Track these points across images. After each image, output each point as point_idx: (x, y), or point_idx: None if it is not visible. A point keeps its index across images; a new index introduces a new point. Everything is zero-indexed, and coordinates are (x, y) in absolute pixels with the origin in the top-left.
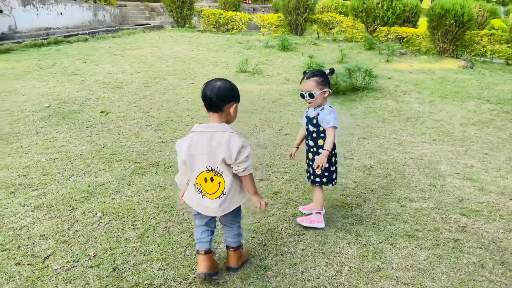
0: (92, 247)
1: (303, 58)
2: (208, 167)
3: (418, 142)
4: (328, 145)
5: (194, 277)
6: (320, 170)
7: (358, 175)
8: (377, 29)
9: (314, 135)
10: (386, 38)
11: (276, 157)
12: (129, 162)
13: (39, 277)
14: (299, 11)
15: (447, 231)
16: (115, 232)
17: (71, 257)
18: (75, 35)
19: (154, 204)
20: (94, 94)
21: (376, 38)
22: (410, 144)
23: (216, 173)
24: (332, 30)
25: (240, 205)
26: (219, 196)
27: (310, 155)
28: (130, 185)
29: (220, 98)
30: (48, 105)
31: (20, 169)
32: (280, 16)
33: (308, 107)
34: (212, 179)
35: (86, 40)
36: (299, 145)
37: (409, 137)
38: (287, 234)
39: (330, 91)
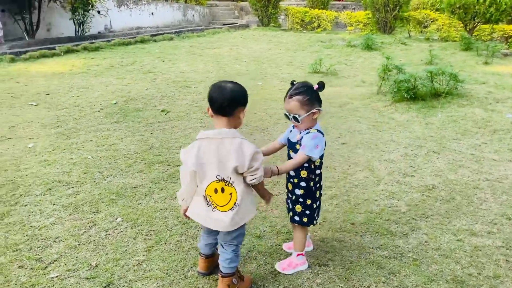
0: (97, 256)
1: (382, 58)
2: (218, 177)
3: (501, 161)
4: (284, 167)
5: None
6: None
7: (414, 196)
8: (477, 27)
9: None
10: (490, 37)
11: (325, 169)
12: (169, 165)
13: (33, 285)
14: (388, 8)
15: (511, 281)
16: (126, 242)
17: (73, 265)
18: (161, 34)
19: (175, 213)
20: (161, 92)
21: (476, 37)
22: (490, 162)
23: (227, 183)
24: (426, 28)
25: (243, 225)
26: (231, 208)
27: (290, 186)
28: (161, 189)
29: (232, 102)
30: (115, 102)
31: (66, 166)
32: (368, 14)
33: (293, 125)
34: (223, 190)
35: (171, 39)
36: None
37: (491, 154)
38: (309, 262)
39: (320, 109)
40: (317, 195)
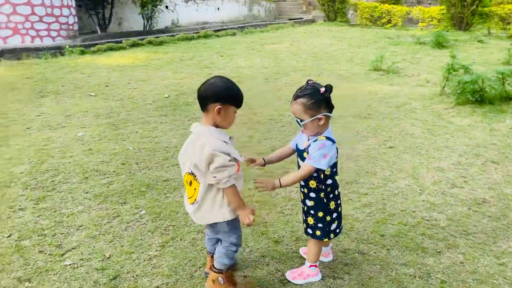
0: (112, 247)
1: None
2: (189, 169)
3: None
4: (285, 181)
5: None
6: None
7: (459, 210)
8: None
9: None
10: None
11: (364, 174)
12: None
13: (47, 270)
14: (465, 3)
15: None
16: (143, 235)
17: (88, 254)
18: (225, 29)
19: None
20: None
21: None
22: None
23: (194, 177)
24: (510, 25)
25: (230, 224)
26: (193, 203)
27: (301, 196)
28: None
29: (203, 96)
30: (167, 96)
31: (107, 155)
32: (442, 9)
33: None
34: (190, 183)
35: (233, 34)
36: (269, 162)
37: None
38: (323, 274)
39: (329, 115)
40: (332, 206)
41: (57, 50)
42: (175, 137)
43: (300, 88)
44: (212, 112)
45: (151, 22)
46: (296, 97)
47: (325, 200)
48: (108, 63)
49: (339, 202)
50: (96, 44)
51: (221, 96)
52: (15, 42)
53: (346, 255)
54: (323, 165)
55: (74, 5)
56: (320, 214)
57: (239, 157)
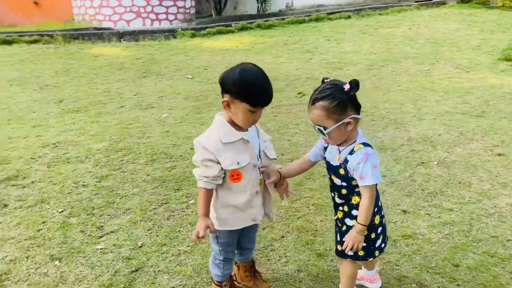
0: (148, 236)
1: None
2: None
3: None
4: (363, 218)
5: None
6: (351, 252)
7: None
8: None
9: (344, 191)
10: None
11: (455, 184)
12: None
13: (79, 252)
14: None
15: None
16: (182, 227)
17: (123, 240)
18: (339, 12)
19: None
20: (309, 73)
21: None
22: None
23: None
24: None
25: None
26: None
27: (340, 214)
28: None
29: (220, 84)
30: None
31: (180, 139)
32: None
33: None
34: None
35: (348, 17)
36: (287, 176)
37: None
38: None
39: (358, 117)
40: (377, 221)
41: (171, 33)
42: None
43: (317, 89)
44: (223, 101)
45: (264, 5)
46: (314, 100)
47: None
48: (213, 46)
49: (383, 213)
50: (207, 27)
51: (230, 88)
52: (137, 25)
53: (401, 284)
54: (379, 177)
55: None
56: (363, 245)
57: (234, 165)
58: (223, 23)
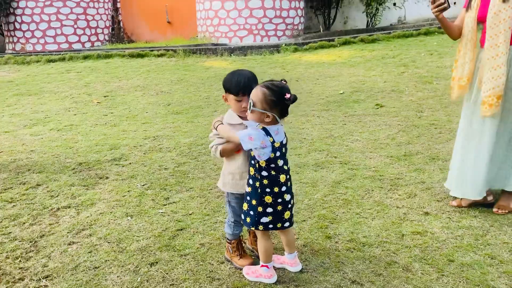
0: (198, 208)
1: None
2: None
3: None
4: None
5: None
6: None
7: None
8: None
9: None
10: None
11: None
12: (327, 155)
13: (146, 213)
14: None
15: None
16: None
17: (180, 209)
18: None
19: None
20: (395, 86)
21: None
22: None
23: None
24: None
25: (227, 196)
26: None
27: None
28: (297, 173)
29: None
30: (342, 92)
31: None
32: None
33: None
34: None
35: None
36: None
37: None
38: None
39: (278, 120)
40: (268, 201)
41: (275, 48)
42: (317, 131)
43: (272, 80)
44: None
45: (374, 20)
46: (264, 84)
47: (259, 191)
48: (310, 60)
49: (283, 198)
50: (310, 42)
51: (224, 85)
52: (248, 41)
53: (389, 267)
54: (249, 145)
55: (302, 6)
56: (254, 202)
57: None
58: (327, 38)
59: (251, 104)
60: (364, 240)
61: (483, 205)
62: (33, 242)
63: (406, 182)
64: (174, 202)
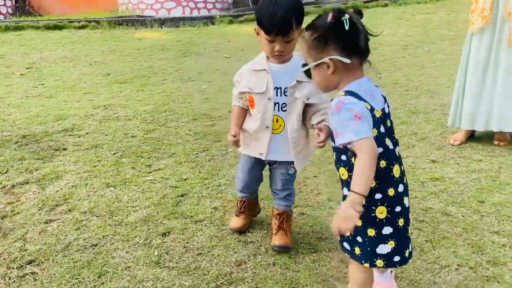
0: (191, 172)
1: None
2: None
3: None
4: (356, 182)
5: None
6: (338, 236)
7: None
8: None
9: (334, 156)
10: None
11: None
12: None
13: (131, 182)
14: None
15: None
16: (222, 167)
17: (169, 175)
18: (376, 0)
19: None
20: None
21: None
22: None
23: None
24: None
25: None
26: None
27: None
28: None
29: None
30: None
31: (220, 103)
32: None
33: None
34: None
35: (385, 5)
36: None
37: None
38: None
39: (346, 61)
40: (381, 216)
41: (209, 20)
42: None
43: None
44: None
45: None
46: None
47: (364, 203)
48: (250, 31)
49: (398, 209)
50: (244, 14)
51: (255, 15)
52: (177, 13)
53: (427, 213)
54: (362, 131)
55: None
56: (359, 223)
57: (246, 89)
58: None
59: (305, 66)
60: None
61: (483, 150)
62: None
63: (399, 135)
64: (160, 169)
